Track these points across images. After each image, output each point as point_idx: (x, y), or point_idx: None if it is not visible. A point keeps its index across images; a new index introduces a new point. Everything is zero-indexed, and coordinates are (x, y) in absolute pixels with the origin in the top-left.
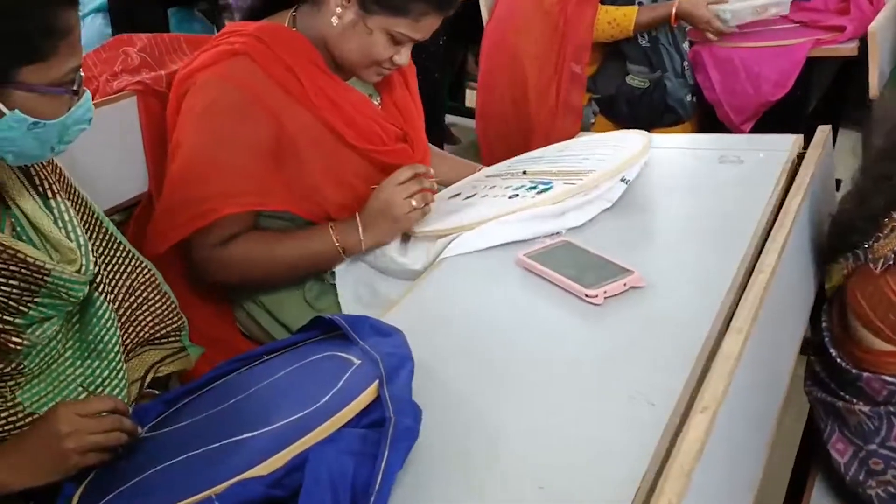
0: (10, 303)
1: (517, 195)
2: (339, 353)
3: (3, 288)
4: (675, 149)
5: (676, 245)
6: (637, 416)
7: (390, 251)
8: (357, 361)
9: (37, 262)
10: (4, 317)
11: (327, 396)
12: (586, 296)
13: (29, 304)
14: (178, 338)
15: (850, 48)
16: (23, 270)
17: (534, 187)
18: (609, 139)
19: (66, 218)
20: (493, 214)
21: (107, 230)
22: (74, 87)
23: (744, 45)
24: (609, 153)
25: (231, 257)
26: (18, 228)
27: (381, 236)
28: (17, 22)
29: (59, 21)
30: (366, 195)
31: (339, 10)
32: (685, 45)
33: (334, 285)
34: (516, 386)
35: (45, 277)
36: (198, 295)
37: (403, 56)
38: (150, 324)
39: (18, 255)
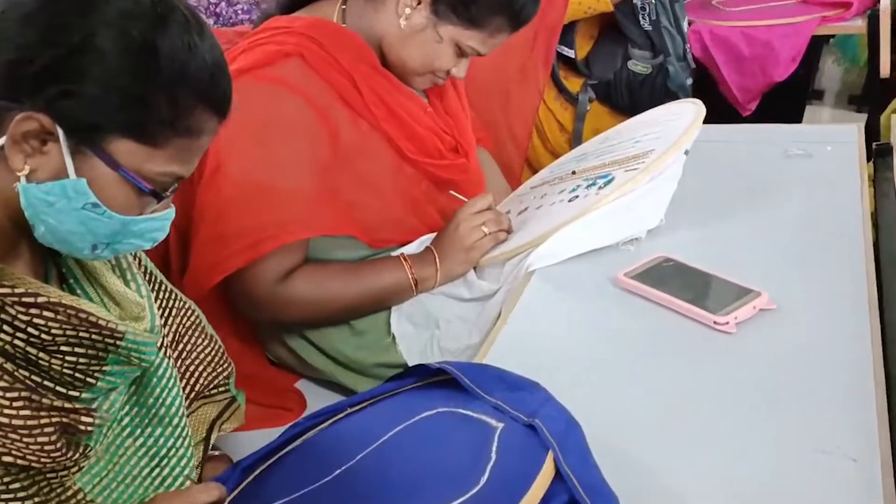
0: (77, 374)
1: (577, 196)
2: (460, 410)
3: (69, 358)
4: (730, 143)
5: (784, 255)
6: (842, 475)
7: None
8: (496, 424)
9: (109, 325)
10: (70, 392)
11: (485, 475)
12: (715, 323)
13: (96, 375)
14: (227, 386)
15: (858, 26)
16: (93, 336)
17: (593, 184)
18: (653, 117)
19: (125, 265)
20: (560, 222)
21: (146, 267)
22: (166, 193)
23: (746, 23)
24: (659, 130)
25: (295, 295)
26: (72, 280)
27: (455, 269)
28: (148, 86)
29: (194, 120)
30: (421, 211)
31: (407, 10)
32: (685, 25)
33: None
34: (668, 435)
35: (118, 342)
36: (218, 322)
37: (462, 69)
38: (203, 374)
39: (90, 318)
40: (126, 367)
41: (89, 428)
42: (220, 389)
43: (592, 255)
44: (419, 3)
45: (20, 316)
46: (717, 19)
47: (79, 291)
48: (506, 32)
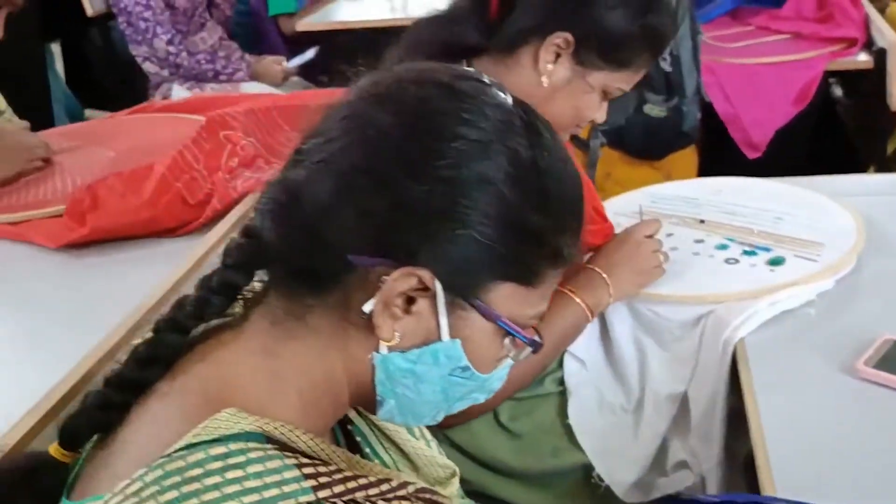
0: None
1: (736, 261)
2: None
3: None
4: (854, 197)
5: None
6: None
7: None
8: None
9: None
10: None
11: None
12: None
13: None
14: None
15: (865, 61)
16: None
17: (752, 253)
18: (768, 191)
19: None
20: (737, 291)
21: None
22: (537, 339)
23: (757, 60)
24: (807, 218)
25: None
26: (359, 438)
27: (627, 290)
28: (538, 215)
29: (572, 246)
30: None
31: (549, 66)
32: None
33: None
34: None
35: None
36: None
37: (604, 113)
38: None
39: (435, 498)
40: None
41: None
42: None
43: (798, 341)
44: (558, 57)
45: None
46: (723, 56)
47: (372, 456)
48: (648, 65)
